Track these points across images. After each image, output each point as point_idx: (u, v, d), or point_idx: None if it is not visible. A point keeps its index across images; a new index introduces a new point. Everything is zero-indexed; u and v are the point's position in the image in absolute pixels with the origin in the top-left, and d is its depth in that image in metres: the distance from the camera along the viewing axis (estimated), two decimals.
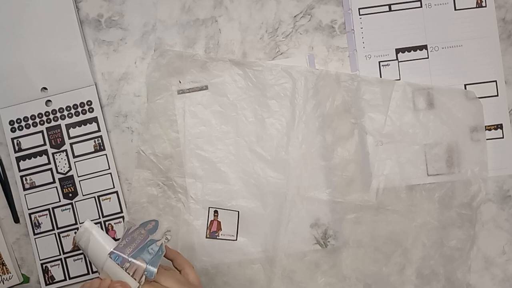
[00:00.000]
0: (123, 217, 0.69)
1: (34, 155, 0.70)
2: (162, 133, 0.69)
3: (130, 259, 0.52)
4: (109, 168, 0.69)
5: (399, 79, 0.69)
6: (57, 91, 0.69)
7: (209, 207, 0.68)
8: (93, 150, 0.69)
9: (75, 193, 0.69)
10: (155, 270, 0.52)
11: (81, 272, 0.69)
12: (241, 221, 0.68)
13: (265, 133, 0.68)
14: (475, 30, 0.69)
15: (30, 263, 0.70)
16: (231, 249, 0.68)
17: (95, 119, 0.69)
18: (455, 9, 0.69)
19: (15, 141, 0.70)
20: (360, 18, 0.69)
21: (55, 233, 0.69)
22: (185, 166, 0.68)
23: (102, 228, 0.69)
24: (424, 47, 0.69)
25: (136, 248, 0.53)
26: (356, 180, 0.68)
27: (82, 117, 0.70)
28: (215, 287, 0.68)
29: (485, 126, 0.68)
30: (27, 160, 0.70)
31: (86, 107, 0.70)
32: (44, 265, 0.69)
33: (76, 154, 0.69)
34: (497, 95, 0.69)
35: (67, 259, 0.69)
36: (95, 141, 0.69)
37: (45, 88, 0.69)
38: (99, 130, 0.69)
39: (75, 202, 0.69)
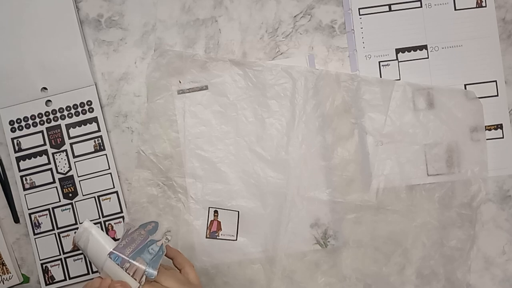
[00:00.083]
0: (123, 217, 0.69)
1: (34, 155, 0.70)
2: (162, 133, 0.69)
3: (130, 259, 0.52)
4: (109, 168, 0.69)
5: (399, 79, 0.69)
6: (57, 91, 0.69)
7: (209, 207, 0.68)
8: (93, 150, 0.69)
9: (75, 193, 0.69)
10: (155, 271, 0.52)
11: (81, 272, 0.69)
12: (241, 221, 0.68)
13: (265, 133, 0.68)
14: (475, 30, 0.69)
15: (30, 263, 0.70)
16: (231, 249, 0.68)
17: (95, 119, 0.69)
18: (455, 9, 0.69)
19: (15, 141, 0.70)
20: (360, 18, 0.69)
21: (55, 233, 0.69)
22: (185, 166, 0.68)
23: (102, 228, 0.69)
24: (424, 47, 0.69)
25: (136, 249, 0.53)
26: (356, 180, 0.68)
27: (82, 117, 0.69)
28: (215, 287, 0.68)
29: (485, 126, 0.68)
30: (27, 160, 0.70)
31: (86, 107, 0.69)
32: (44, 265, 0.69)
33: (76, 154, 0.69)
34: (497, 95, 0.69)
35: (67, 259, 0.69)
36: (95, 141, 0.69)
37: (45, 88, 0.69)
38: (99, 130, 0.69)
39: (75, 202, 0.69)
